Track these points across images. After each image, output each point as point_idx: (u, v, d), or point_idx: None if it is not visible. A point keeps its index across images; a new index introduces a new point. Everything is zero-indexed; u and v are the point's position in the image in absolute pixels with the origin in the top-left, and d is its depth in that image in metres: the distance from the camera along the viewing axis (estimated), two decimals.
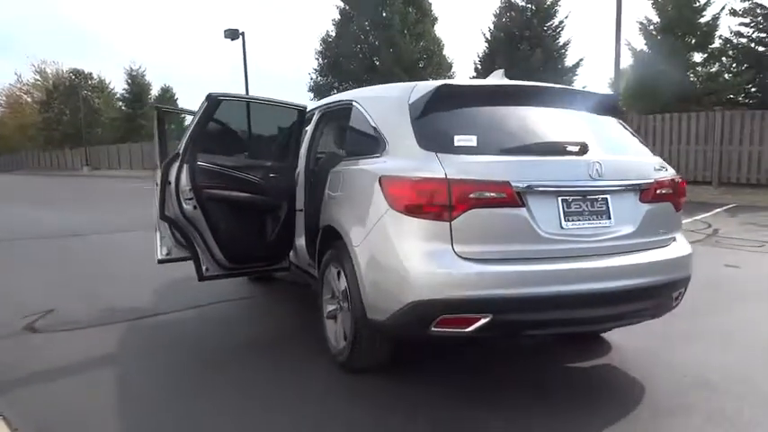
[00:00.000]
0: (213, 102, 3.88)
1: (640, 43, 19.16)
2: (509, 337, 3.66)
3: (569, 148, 2.93)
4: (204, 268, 4.02)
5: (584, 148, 2.94)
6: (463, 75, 29.76)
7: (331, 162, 3.74)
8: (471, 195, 2.68)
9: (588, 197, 2.88)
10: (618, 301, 2.87)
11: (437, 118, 2.96)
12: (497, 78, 3.66)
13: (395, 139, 3.06)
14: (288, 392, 3.06)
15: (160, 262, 4.24)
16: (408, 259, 2.74)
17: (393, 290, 2.80)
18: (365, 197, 3.01)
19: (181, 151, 3.86)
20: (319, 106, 4.54)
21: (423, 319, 2.75)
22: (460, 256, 2.69)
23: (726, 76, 18.17)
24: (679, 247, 3.19)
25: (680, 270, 3.11)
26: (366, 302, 2.98)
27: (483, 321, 2.67)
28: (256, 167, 4.18)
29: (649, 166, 3.17)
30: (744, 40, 17.66)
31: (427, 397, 2.97)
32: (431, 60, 27.94)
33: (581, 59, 23.05)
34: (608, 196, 2.93)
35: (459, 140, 2.80)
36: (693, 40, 18.29)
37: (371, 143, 3.22)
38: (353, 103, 3.66)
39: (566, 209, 2.82)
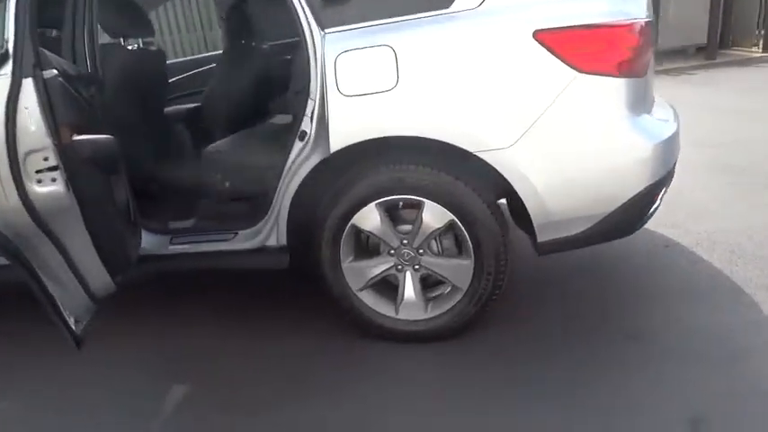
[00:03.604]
0: None
1: None
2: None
3: None
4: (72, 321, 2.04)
5: None
6: None
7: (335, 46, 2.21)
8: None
9: None
10: None
11: None
12: None
13: None
14: None
15: None
16: (632, 131, 2.11)
17: (612, 181, 2.17)
18: (500, 68, 2.10)
19: (11, 47, 1.94)
20: None
21: (646, 205, 2.23)
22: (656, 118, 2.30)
23: None
24: None
25: None
26: (541, 220, 2.20)
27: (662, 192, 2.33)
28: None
29: None
30: None
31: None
32: None
33: None
34: None
35: None
36: None
37: None
38: None
39: None
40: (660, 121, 2.26)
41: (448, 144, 2.16)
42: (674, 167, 2.31)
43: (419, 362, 2.36)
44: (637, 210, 2.22)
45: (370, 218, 2.33)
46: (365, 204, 2.31)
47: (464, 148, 2.15)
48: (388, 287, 2.47)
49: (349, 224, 2.35)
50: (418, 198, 2.26)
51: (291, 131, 2.44)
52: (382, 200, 2.30)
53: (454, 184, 2.23)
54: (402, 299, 2.41)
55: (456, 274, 2.34)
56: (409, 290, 2.40)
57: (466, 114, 2.15)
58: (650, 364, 2.17)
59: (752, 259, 2.80)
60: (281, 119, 3.36)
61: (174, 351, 2.61)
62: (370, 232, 2.36)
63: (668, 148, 2.21)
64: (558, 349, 2.31)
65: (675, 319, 2.42)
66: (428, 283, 2.44)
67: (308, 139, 2.35)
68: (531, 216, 2.18)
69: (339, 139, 2.25)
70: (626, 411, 1.95)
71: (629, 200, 2.16)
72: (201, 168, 2.86)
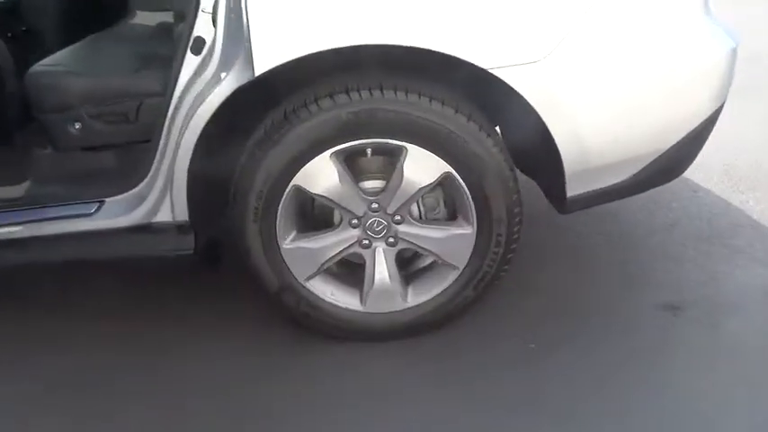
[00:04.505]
0: None
1: None
2: None
3: None
4: None
5: None
6: None
7: None
8: None
9: None
10: None
11: None
12: None
13: None
14: None
15: None
16: (710, 37, 1.52)
17: (677, 106, 1.55)
18: None
19: None
20: None
21: (705, 139, 1.66)
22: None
23: None
24: None
25: None
26: (577, 166, 1.51)
27: None
28: None
29: None
30: None
31: None
32: None
33: None
34: None
35: None
36: None
37: None
38: None
39: None
40: (724, 29, 1.62)
41: (450, 57, 1.38)
42: None
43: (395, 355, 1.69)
44: (695, 145, 1.63)
45: (322, 175, 1.52)
46: (315, 154, 1.49)
47: (473, 62, 1.39)
48: (347, 269, 1.72)
49: (290, 186, 1.53)
50: (398, 142, 1.49)
51: (179, 39, 1.53)
52: (342, 146, 1.49)
53: (454, 120, 1.47)
54: (371, 285, 1.67)
55: (450, 249, 1.63)
56: (381, 272, 1.66)
57: (477, 13, 1.38)
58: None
59: None
60: (145, 18, 2.30)
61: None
62: (322, 196, 1.56)
63: (734, 64, 1.60)
64: (581, 329, 1.73)
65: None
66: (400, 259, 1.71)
67: (210, 51, 1.46)
68: (564, 160, 1.50)
69: (271, 51, 1.38)
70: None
71: (692, 131, 1.55)
72: (29, 101, 1.81)
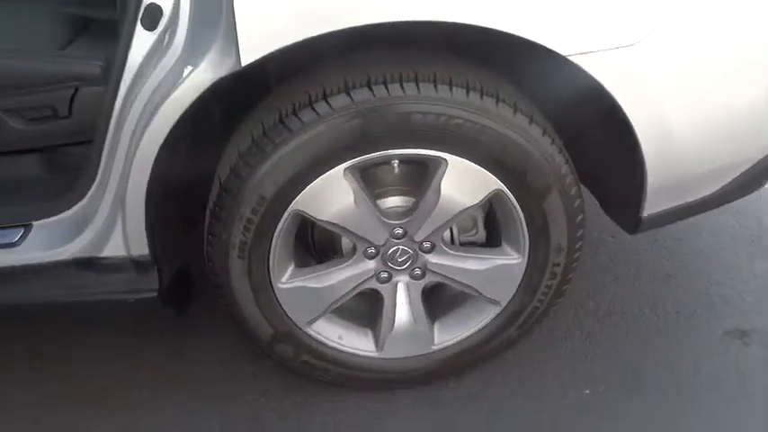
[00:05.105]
0: None
1: None
2: None
3: None
4: None
5: None
6: None
7: None
8: None
9: None
10: None
11: None
12: None
13: None
14: None
15: None
16: None
17: None
18: None
19: None
20: None
21: None
22: None
23: None
24: None
25: None
26: (662, 178, 1.17)
27: None
28: None
29: None
30: None
31: None
32: None
33: None
34: None
35: None
36: None
37: None
38: None
39: None
40: None
41: (518, 39, 0.99)
42: None
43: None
44: None
45: (332, 196, 1.13)
46: (324, 170, 1.09)
47: (548, 46, 1.01)
48: (358, 303, 1.35)
49: (288, 211, 1.13)
50: (436, 153, 1.10)
51: (123, 2, 1.12)
52: (361, 159, 1.10)
53: (512, 124, 1.09)
54: (390, 327, 1.31)
55: (491, 282, 1.28)
56: (403, 311, 1.30)
57: None
58: None
59: None
60: None
61: None
62: (331, 223, 1.17)
63: None
64: (641, 366, 1.44)
65: None
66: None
67: (170, 26, 1.03)
68: (648, 170, 1.15)
69: (267, 30, 0.97)
70: None
71: None
72: None
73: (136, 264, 1.21)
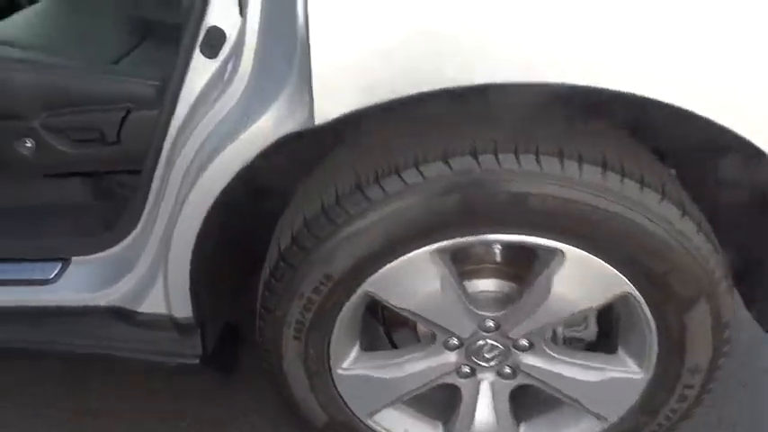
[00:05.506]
0: None
1: None
2: None
3: None
4: None
5: None
6: None
7: None
8: None
9: None
10: None
11: None
12: None
13: None
14: None
15: None
16: None
17: None
18: None
19: None
20: None
21: None
22: None
23: None
24: None
25: None
26: None
27: None
28: None
29: None
30: None
31: None
32: None
33: None
34: None
35: None
36: None
37: None
38: None
39: None
40: None
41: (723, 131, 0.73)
42: None
43: None
44: None
45: (413, 280, 0.91)
46: (407, 250, 0.87)
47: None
48: (430, 391, 1.12)
49: (358, 292, 0.91)
50: (552, 243, 0.85)
51: (184, 21, 0.92)
52: (455, 242, 0.86)
53: (657, 214, 0.83)
54: (469, 426, 1.08)
55: (600, 395, 1.02)
56: (485, 412, 1.07)
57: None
58: None
59: None
60: None
61: None
62: (409, 311, 0.94)
63: None
64: None
65: None
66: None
67: (233, 56, 0.83)
68: None
69: (347, 85, 0.75)
70: None
71: None
72: None
73: (177, 325, 1.04)
